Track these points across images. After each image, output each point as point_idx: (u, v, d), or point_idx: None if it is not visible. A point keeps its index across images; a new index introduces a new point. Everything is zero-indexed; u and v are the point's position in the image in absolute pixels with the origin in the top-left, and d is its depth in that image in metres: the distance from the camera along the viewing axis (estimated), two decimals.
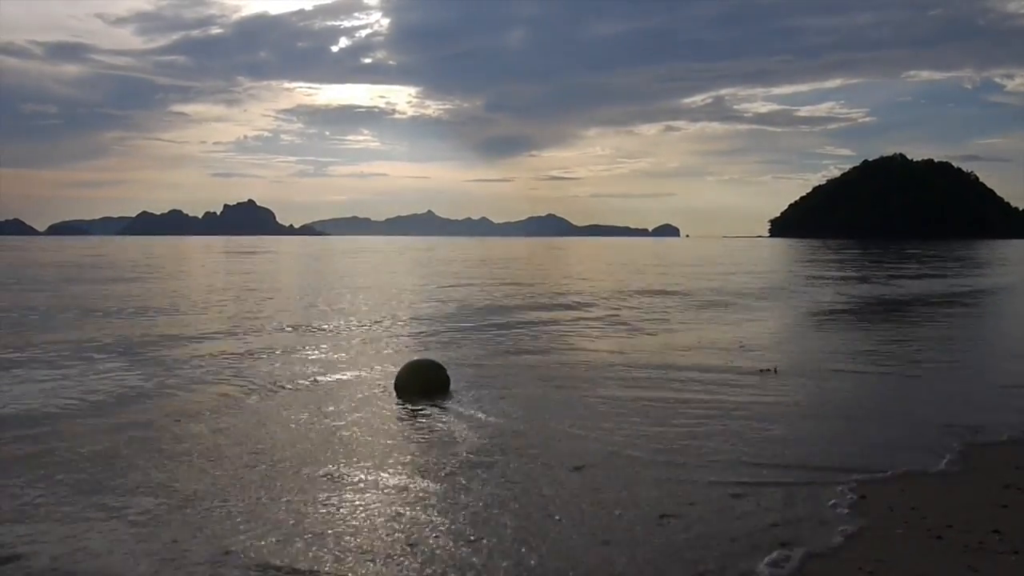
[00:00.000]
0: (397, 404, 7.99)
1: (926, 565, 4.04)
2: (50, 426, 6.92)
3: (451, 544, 4.34)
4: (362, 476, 5.57)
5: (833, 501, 5.00)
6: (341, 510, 4.89)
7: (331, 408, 7.75)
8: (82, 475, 5.54)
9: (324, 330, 14.11)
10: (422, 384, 8.28)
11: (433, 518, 4.75)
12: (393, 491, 5.28)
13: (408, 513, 4.85)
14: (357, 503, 5.01)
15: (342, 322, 15.40)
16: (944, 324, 16.30)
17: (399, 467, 5.85)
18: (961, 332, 15.24)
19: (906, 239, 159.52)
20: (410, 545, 4.33)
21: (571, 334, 13.89)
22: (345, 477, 5.56)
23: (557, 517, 4.74)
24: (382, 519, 4.76)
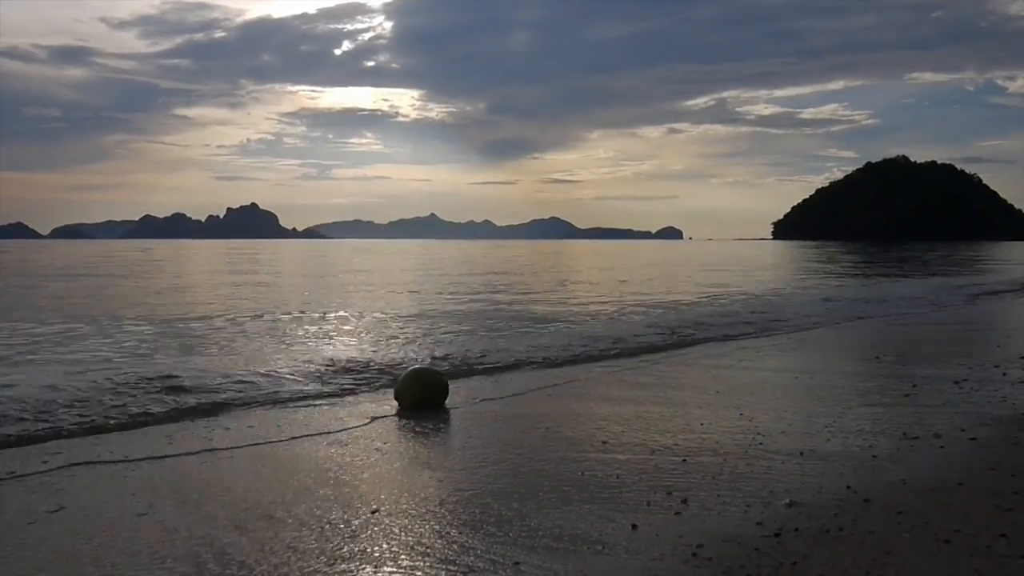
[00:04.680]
0: (393, 412, 7.94)
1: (933, 569, 3.96)
2: None
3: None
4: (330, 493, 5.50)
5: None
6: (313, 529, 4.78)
7: (322, 418, 7.70)
8: None
9: (323, 333, 14.06)
10: (421, 392, 8.14)
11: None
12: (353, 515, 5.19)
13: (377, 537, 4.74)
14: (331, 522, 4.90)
15: (343, 326, 15.34)
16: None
17: (374, 485, 5.77)
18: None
19: (909, 241, 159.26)
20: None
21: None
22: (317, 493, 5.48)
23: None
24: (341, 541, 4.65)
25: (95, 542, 4.38)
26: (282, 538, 4.44)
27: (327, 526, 4.62)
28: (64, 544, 4.38)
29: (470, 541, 4.38)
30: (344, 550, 4.26)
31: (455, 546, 4.31)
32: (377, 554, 4.22)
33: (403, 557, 4.17)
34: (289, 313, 18.01)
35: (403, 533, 4.52)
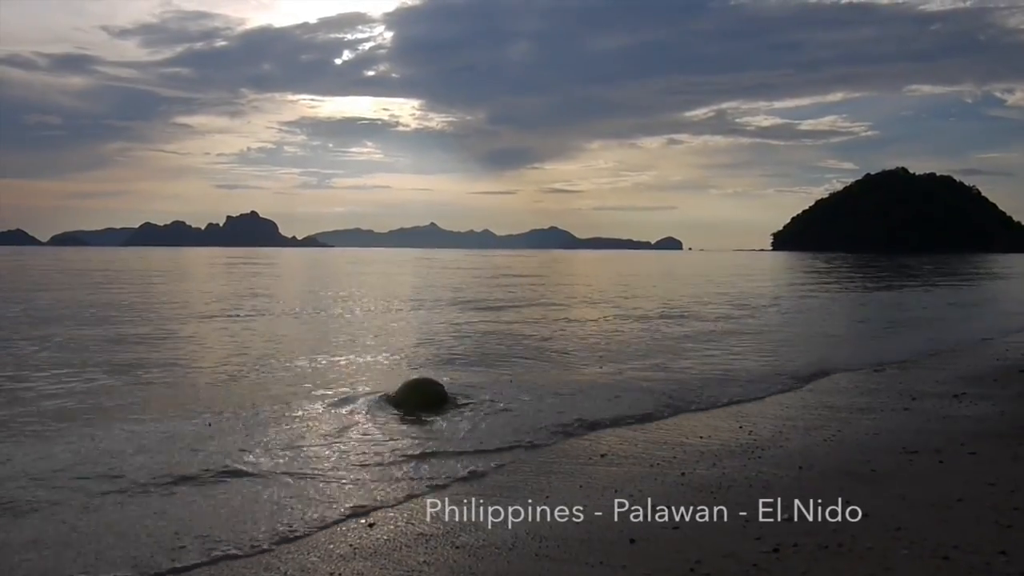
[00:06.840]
0: (394, 421, 7.92)
1: None
2: None
3: None
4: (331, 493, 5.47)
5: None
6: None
7: (327, 425, 7.69)
8: None
9: (323, 342, 14.04)
10: (420, 402, 8.16)
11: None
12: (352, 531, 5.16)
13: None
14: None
15: (347, 340, 15.33)
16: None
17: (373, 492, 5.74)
18: None
19: (908, 253, 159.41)
20: None
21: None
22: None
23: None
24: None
25: None
26: (275, 552, 4.43)
27: (323, 539, 4.61)
28: None
29: (463, 557, 4.36)
30: (341, 567, 4.24)
31: (450, 561, 4.29)
32: (375, 569, 4.20)
33: (398, 573, 4.15)
34: (290, 314, 17.98)
35: (398, 548, 4.49)
